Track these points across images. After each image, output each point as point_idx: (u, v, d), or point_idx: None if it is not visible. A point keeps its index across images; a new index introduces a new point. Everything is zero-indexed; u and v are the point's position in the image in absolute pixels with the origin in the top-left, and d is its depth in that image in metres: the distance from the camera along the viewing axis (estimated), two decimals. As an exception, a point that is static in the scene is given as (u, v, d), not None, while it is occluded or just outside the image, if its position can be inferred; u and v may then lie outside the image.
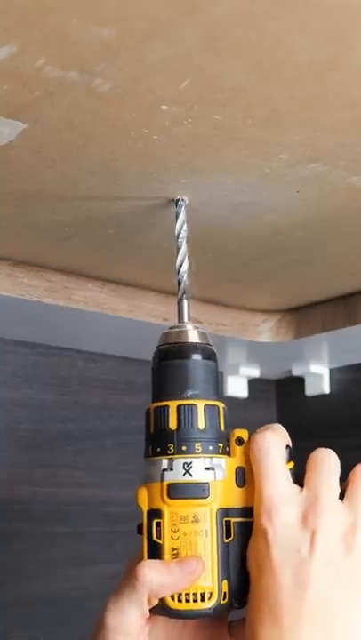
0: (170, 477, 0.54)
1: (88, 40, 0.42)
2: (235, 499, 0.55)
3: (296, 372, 1.22)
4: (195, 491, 0.54)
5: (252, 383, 1.27)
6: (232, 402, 1.25)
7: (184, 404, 0.55)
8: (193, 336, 0.58)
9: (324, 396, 1.23)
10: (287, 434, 0.57)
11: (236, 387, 1.25)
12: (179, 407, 0.55)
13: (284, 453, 0.55)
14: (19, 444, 1.04)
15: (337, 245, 0.76)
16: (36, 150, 0.55)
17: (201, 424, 0.55)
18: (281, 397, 1.31)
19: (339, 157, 0.57)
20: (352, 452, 1.24)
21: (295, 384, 1.26)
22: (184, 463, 0.54)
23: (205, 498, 0.54)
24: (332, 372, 1.23)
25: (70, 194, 0.63)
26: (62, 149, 0.55)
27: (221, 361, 1.21)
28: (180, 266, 0.60)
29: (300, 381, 1.25)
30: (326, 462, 0.55)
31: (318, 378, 1.22)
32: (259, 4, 0.40)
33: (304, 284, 0.92)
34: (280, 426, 0.57)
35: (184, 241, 0.60)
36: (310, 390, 1.24)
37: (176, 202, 0.61)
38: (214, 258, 0.80)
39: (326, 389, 1.22)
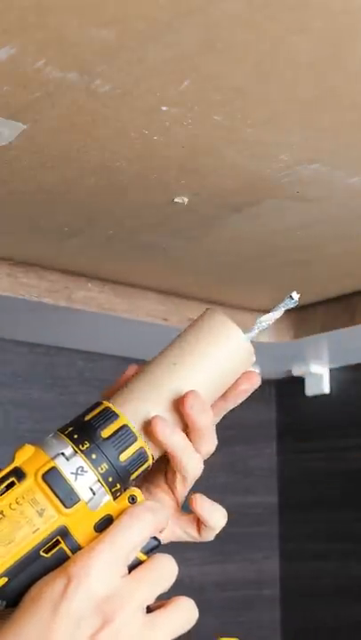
0: (60, 464, 0.52)
1: (88, 41, 0.42)
2: (81, 532, 0.52)
3: (296, 371, 1.22)
4: (65, 493, 0.52)
5: (252, 383, 1.27)
6: (232, 402, 1.25)
7: (129, 431, 0.53)
8: None
9: (324, 395, 1.23)
10: (166, 526, 0.55)
11: (236, 386, 1.24)
12: (123, 427, 0.53)
13: (144, 541, 0.53)
14: (19, 443, 1.04)
15: (337, 245, 0.76)
16: (36, 151, 0.55)
17: (124, 457, 0.53)
18: (281, 397, 1.31)
19: (339, 158, 0.57)
20: (352, 452, 1.24)
21: (295, 384, 1.26)
22: (80, 467, 0.52)
23: (66, 507, 0.52)
24: (332, 372, 1.23)
25: (70, 194, 0.63)
26: (62, 150, 0.55)
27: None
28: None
29: (300, 381, 1.25)
30: (161, 573, 0.53)
31: (318, 378, 1.22)
32: (258, 5, 0.40)
33: (304, 284, 0.92)
34: (165, 514, 0.54)
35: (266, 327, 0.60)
36: (310, 390, 1.24)
37: (290, 297, 0.59)
38: (214, 258, 0.80)
39: (326, 389, 1.22)
